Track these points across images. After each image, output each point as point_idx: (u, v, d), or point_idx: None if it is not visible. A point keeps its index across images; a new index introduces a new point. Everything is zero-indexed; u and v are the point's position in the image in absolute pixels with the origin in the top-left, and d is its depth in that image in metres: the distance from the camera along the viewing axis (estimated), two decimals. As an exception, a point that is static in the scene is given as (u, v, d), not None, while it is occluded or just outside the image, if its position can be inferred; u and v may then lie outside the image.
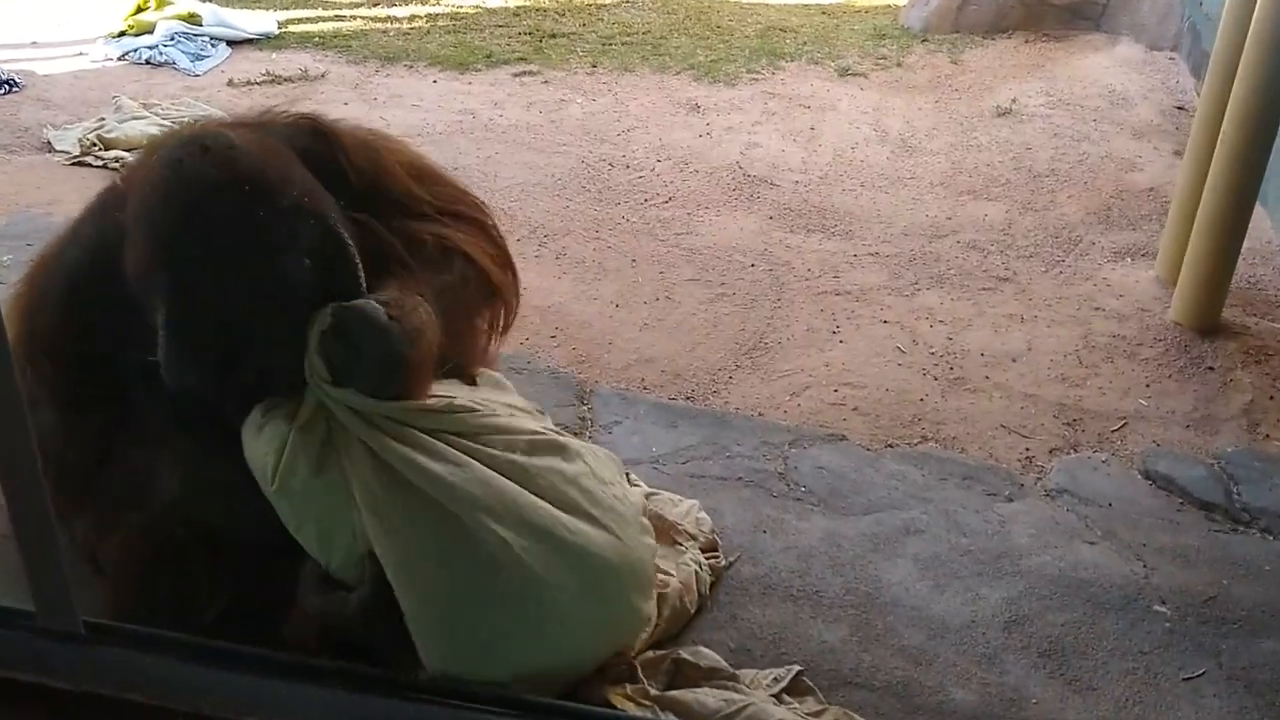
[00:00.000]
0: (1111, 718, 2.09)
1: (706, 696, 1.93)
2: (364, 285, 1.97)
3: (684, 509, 2.48)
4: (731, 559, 2.44)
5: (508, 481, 1.96)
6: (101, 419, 2.09)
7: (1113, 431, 3.09)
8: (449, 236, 2.18)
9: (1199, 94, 5.32)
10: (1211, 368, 3.36)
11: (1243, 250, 3.52)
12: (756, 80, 5.70)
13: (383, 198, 2.14)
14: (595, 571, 1.99)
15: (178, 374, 1.91)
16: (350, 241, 1.97)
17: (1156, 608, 2.37)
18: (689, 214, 4.30)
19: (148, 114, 4.79)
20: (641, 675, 1.95)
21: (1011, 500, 2.76)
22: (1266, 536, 2.66)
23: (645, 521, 2.22)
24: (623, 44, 6.17)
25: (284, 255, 1.87)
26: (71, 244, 2.14)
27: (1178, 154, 4.76)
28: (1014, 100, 5.41)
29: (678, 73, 5.78)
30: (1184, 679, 2.20)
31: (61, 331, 2.09)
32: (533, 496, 1.97)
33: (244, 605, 1.94)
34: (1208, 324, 3.52)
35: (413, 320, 1.91)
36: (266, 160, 1.92)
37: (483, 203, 2.38)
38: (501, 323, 2.30)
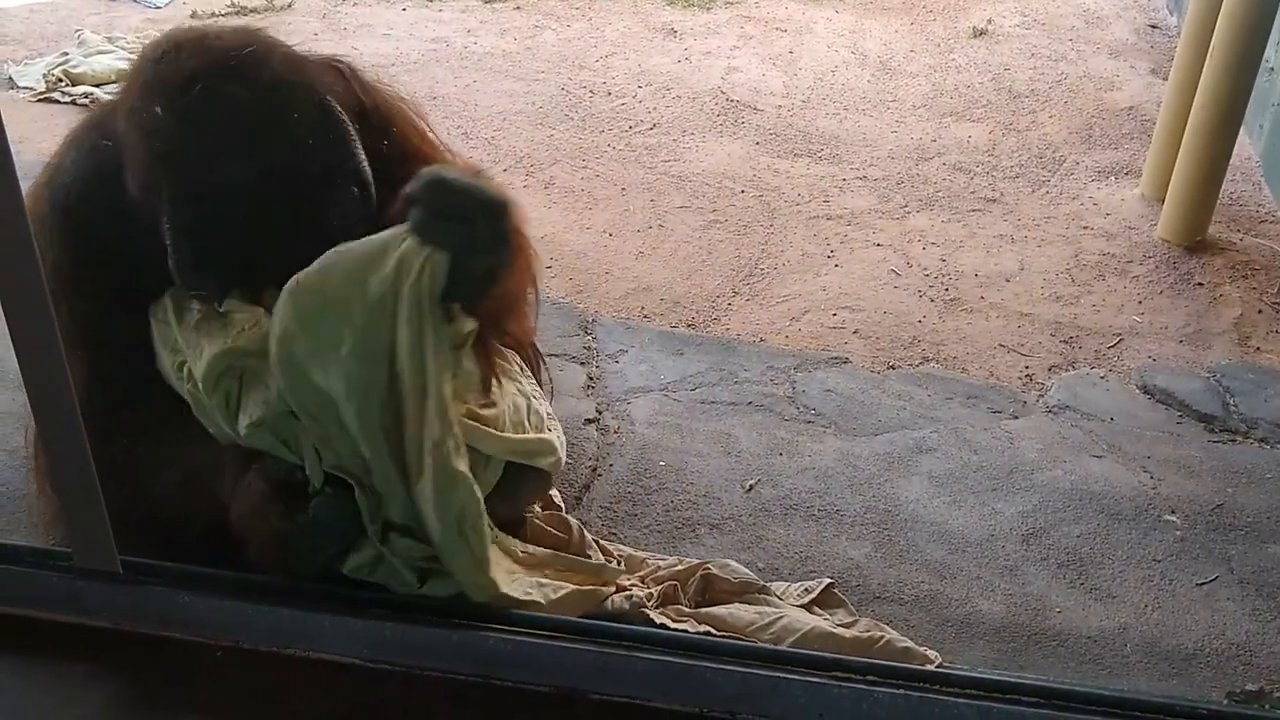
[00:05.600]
0: (1133, 624, 2.15)
1: (740, 610, 1.96)
2: (371, 186, 1.90)
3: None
4: (751, 482, 2.46)
5: None
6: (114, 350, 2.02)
7: (1109, 348, 3.13)
8: None
9: (1170, 12, 5.36)
10: (1200, 283, 3.41)
11: (1225, 167, 3.56)
12: (731, 4, 5.63)
13: (397, 146, 2.04)
14: None
15: (191, 276, 1.84)
16: (348, 121, 1.89)
17: (1166, 517, 2.43)
18: (675, 141, 4.26)
19: (113, 48, 4.64)
20: (679, 591, 1.98)
21: (1016, 417, 2.80)
22: (1264, 445, 2.73)
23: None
24: (592, -32, 6.06)
25: (281, 131, 1.80)
26: (59, 173, 2.01)
27: (1155, 72, 4.79)
28: (989, 20, 5.39)
29: (650, -3, 5.70)
30: (1198, 584, 2.26)
31: (67, 262, 1.97)
32: None
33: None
34: (1194, 240, 3.57)
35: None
36: (249, 42, 1.84)
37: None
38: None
